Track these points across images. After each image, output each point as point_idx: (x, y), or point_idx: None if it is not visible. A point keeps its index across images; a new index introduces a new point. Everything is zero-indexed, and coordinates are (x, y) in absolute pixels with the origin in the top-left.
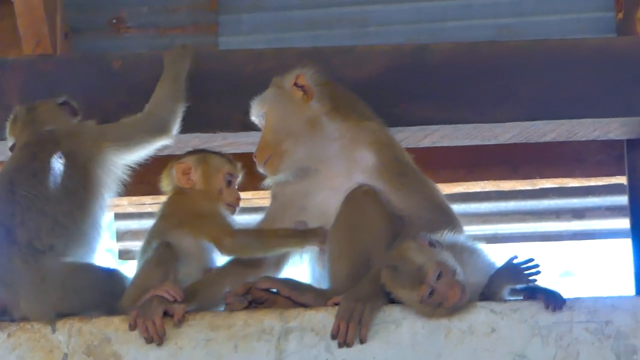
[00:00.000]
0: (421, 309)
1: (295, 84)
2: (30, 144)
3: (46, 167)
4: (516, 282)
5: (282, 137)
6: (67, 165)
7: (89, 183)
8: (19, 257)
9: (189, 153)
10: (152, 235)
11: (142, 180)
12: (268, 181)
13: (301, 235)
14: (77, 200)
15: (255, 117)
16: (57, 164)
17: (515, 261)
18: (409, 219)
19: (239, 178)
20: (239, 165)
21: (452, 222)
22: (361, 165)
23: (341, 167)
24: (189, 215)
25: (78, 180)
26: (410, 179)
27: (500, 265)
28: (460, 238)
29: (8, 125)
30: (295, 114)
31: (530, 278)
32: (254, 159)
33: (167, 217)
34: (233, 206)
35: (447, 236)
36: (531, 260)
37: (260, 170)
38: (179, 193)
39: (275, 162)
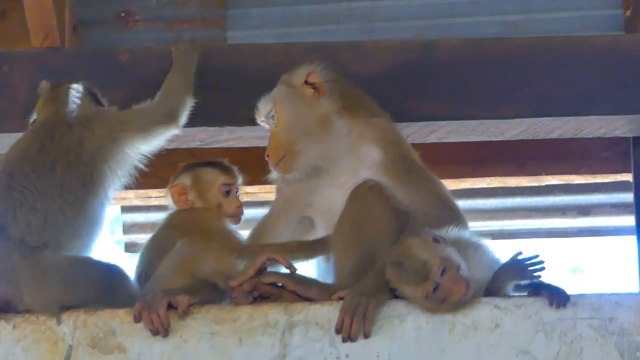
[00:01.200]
0: (426, 304)
1: (306, 82)
2: (45, 127)
3: (47, 162)
4: (520, 278)
5: (295, 136)
6: (72, 164)
7: (92, 178)
8: (17, 253)
9: (182, 170)
10: (160, 242)
11: (148, 174)
12: (274, 174)
13: (309, 248)
14: (72, 197)
15: (263, 117)
16: (62, 159)
17: (519, 257)
18: (414, 215)
19: (238, 182)
20: (234, 170)
21: (457, 218)
22: (367, 161)
23: (348, 164)
24: (197, 229)
25: (79, 178)
26: (416, 175)
27: (504, 261)
28: (465, 234)
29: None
30: (308, 112)
31: (535, 274)
32: (266, 159)
33: (175, 228)
34: (236, 216)
35: (451, 232)
36: (536, 256)
37: (273, 169)
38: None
39: (289, 162)
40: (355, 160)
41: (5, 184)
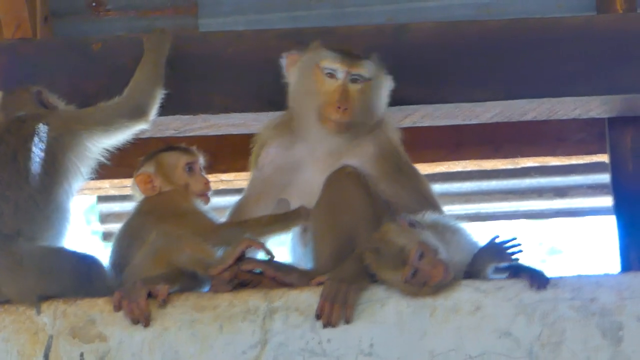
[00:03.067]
0: (406, 288)
1: None
2: (4, 129)
3: (8, 152)
4: (499, 260)
5: (368, 112)
6: (31, 150)
7: (54, 167)
8: None
9: (144, 160)
10: (132, 229)
11: (123, 163)
12: (257, 145)
13: (284, 219)
14: (39, 184)
15: (364, 71)
16: (22, 148)
17: (497, 240)
18: (399, 208)
19: (201, 161)
20: (193, 149)
21: (437, 211)
22: (357, 151)
23: (333, 147)
24: (169, 214)
25: (42, 165)
26: (405, 174)
27: (483, 244)
28: (441, 218)
29: None
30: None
31: (513, 257)
32: (337, 104)
33: (147, 214)
34: (204, 194)
35: (427, 216)
36: (513, 239)
37: (337, 115)
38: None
39: (351, 127)
40: (344, 146)
41: None
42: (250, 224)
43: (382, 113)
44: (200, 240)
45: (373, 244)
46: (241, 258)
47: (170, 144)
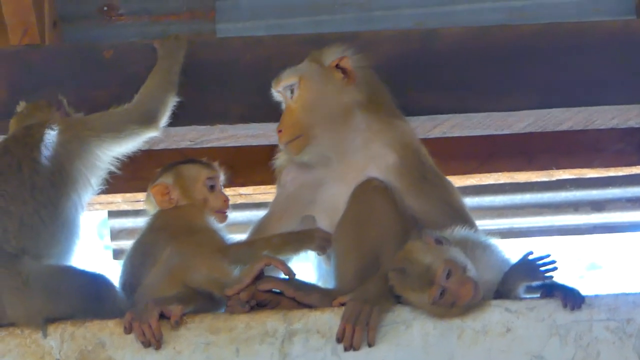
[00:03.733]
0: (433, 310)
1: (337, 65)
2: (7, 139)
3: (13, 163)
4: (532, 279)
5: (315, 119)
6: (37, 159)
7: (61, 178)
8: None
9: (162, 171)
10: (144, 246)
11: (136, 177)
12: (279, 162)
13: (296, 241)
14: (45, 198)
15: (281, 87)
16: (27, 157)
17: (530, 257)
18: (426, 223)
19: (221, 177)
20: (216, 164)
21: (467, 224)
22: (381, 162)
23: (360, 161)
24: (182, 230)
25: (48, 177)
26: (432, 183)
27: (515, 261)
28: (470, 233)
29: None
30: (334, 97)
31: (547, 275)
32: (277, 134)
33: (159, 230)
34: (222, 211)
35: (456, 232)
36: (547, 256)
37: (282, 147)
38: (168, 209)
39: (302, 144)
40: (368, 158)
41: None
42: (259, 244)
43: (353, 99)
44: (216, 259)
45: (397, 263)
46: (259, 277)
47: (190, 157)
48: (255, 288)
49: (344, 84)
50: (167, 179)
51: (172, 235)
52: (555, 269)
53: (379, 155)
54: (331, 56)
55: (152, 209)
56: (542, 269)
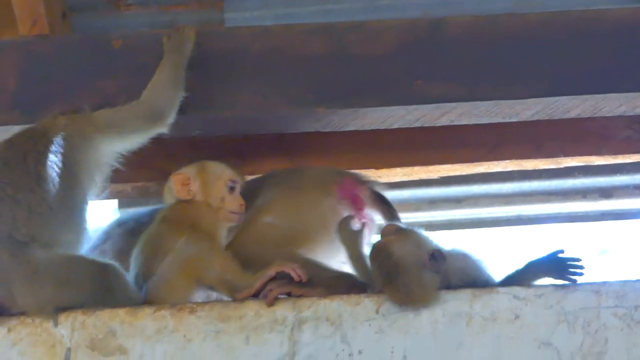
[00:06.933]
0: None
1: None
2: (13, 134)
3: (18, 156)
4: (557, 276)
5: None
6: (43, 154)
7: (66, 172)
8: (5, 252)
9: (188, 163)
10: (155, 237)
11: (146, 166)
12: None
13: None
14: (51, 187)
15: None
16: (31, 150)
17: (561, 255)
18: None
19: (242, 184)
20: (241, 170)
21: None
22: None
23: None
24: (193, 225)
25: (54, 168)
26: None
27: (542, 255)
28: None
29: None
30: None
31: (572, 278)
32: None
33: (170, 221)
34: (237, 213)
35: None
36: (579, 259)
37: None
38: (182, 202)
39: None
40: None
41: None
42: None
43: None
44: (229, 260)
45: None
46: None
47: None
48: (263, 295)
49: None
50: (191, 170)
51: (184, 227)
52: (582, 274)
53: None
54: None
55: (168, 199)
56: (571, 270)
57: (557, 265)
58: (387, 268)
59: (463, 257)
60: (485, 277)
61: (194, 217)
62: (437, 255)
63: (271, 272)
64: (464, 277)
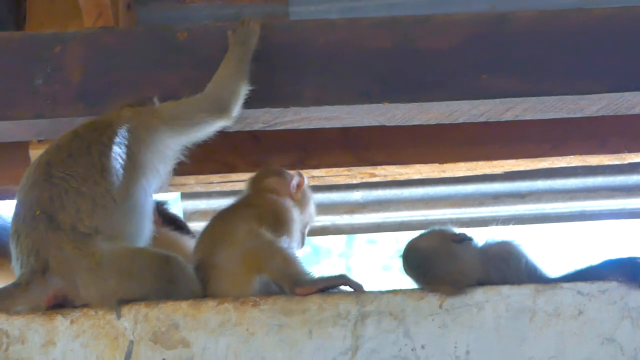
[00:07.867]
0: None
1: None
2: (79, 125)
3: (83, 147)
4: (630, 280)
5: None
6: (107, 145)
7: (130, 164)
8: (69, 244)
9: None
10: (219, 227)
11: (210, 158)
12: None
13: None
14: (115, 179)
15: None
16: (95, 142)
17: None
18: None
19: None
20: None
21: None
22: None
23: None
24: (268, 214)
25: (118, 160)
26: None
27: (619, 256)
28: None
29: None
30: None
31: None
32: None
33: (245, 207)
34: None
35: None
36: None
37: None
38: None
39: None
40: None
41: (44, 173)
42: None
43: None
44: (293, 254)
45: None
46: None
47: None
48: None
49: None
50: (304, 179)
51: (257, 215)
52: None
53: None
54: None
55: (250, 189)
56: None
57: (633, 269)
58: (422, 266)
59: (503, 245)
60: (530, 266)
61: (276, 208)
62: (459, 238)
63: (336, 283)
64: (502, 265)
